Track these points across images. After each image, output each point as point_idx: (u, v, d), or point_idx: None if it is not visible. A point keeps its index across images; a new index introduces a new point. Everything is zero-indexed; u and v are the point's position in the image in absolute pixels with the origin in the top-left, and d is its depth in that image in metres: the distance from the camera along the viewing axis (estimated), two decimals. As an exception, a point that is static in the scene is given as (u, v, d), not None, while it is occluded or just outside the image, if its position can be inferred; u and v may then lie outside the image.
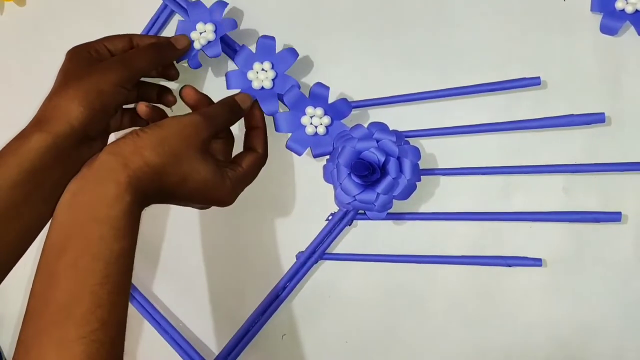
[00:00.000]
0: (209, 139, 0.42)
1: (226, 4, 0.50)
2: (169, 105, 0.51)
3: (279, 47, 0.50)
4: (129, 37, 0.49)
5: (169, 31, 0.55)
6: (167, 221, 0.56)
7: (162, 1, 0.54)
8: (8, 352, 0.61)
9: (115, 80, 0.43)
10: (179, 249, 0.56)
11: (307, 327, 0.52)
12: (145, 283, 0.57)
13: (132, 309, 0.56)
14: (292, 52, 0.49)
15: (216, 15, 0.51)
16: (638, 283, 0.46)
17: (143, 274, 0.57)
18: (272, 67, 0.49)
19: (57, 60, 0.58)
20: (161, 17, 0.54)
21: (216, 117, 0.43)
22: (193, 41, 0.50)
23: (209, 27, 0.50)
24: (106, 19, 0.57)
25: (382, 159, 0.45)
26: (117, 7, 0.57)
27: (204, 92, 0.48)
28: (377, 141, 0.46)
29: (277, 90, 0.50)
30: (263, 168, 0.52)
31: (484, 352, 0.49)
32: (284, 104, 0.49)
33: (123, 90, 0.44)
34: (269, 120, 0.49)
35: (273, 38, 0.50)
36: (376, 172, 0.45)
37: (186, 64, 0.51)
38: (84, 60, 0.45)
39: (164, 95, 0.51)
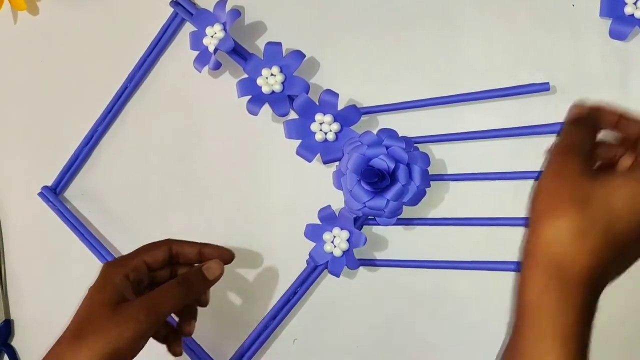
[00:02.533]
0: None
1: (225, 1, 0.51)
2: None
3: (286, 53, 0.50)
4: (168, 246, 0.47)
5: (180, 39, 0.56)
6: (178, 223, 0.57)
7: (172, 10, 0.55)
8: (23, 356, 0.62)
9: (137, 334, 0.41)
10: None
11: (318, 332, 0.53)
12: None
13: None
14: (298, 54, 0.50)
15: (220, 14, 0.51)
16: (648, 289, 0.46)
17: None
18: (281, 71, 0.50)
19: (69, 69, 0.60)
20: (172, 26, 0.55)
21: None
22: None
23: (217, 27, 0.51)
24: (118, 27, 0.58)
25: (392, 165, 0.45)
26: (129, 15, 0.58)
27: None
28: (387, 148, 0.46)
29: (287, 92, 0.50)
30: (274, 174, 0.53)
31: (492, 357, 0.49)
32: (294, 110, 0.50)
33: (144, 341, 0.42)
34: (279, 129, 0.50)
35: (279, 43, 0.50)
36: (386, 179, 0.45)
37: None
38: (112, 293, 0.42)
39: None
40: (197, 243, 0.48)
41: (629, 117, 0.37)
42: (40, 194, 0.59)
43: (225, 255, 0.48)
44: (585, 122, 0.36)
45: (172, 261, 0.47)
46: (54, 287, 0.61)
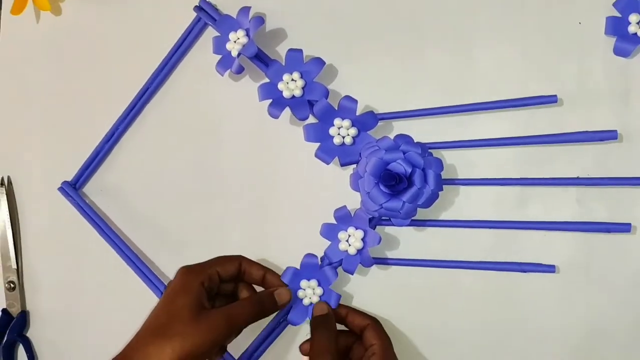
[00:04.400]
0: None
1: (249, 8, 0.53)
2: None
3: (306, 60, 0.52)
4: (239, 262, 0.50)
5: (202, 43, 0.57)
6: (196, 221, 0.59)
7: (195, 14, 0.57)
8: (38, 347, 0.64)
9: (216, 342, 0.44)
10: (208, 250, 0.58)
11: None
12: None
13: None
14: (319, 61, 0.52)
15: (244, 20, 0.53)
16: (646, 290, 0.48)
17: (173, 274, 0.59)
18: (301, 77, 0.52)
19: (91, 69, 0.61)
20: (194, 30, 0.57)
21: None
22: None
23: (240, 32, 0.53)
24: (140, 30, 0.60)
25: (409, 170, 0.48)
26: (152, 18, 0.59)
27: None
28: (404, 153, 0.48)
29: (307, 97, 0.52)
30: (291, 176, 0.55)
31: (499, 354, 0.52)
32: (314, 115, 0.52)
33: (216, 349, 0.46)
34: (298, 132, 0.52)
35: (300, 50, 0.52)
36: (403, 182, 0.47)
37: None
38: (194, 299, 0.45)
39: None
40: (264, 267, 0.52)
41: (354, 312, 0.51)
42: (60, 189, 0.61)
43: (284, 285, 0.52)
44: (328, 324, 0.49)
45: (237, 276, 0.51)
46: (70, 280, 0.62)
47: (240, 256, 0.51)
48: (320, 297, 0.52)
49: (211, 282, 0.48)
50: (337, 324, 0.51)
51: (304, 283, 0.52)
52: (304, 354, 0.50)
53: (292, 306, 0.52)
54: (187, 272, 0.48)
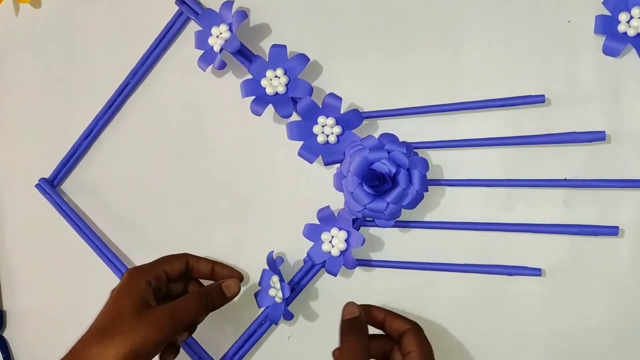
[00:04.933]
0: None
1: (232, 2, 0.52)
2: None
3: (290, 56, 0.51)
4: (186, 259, 0.50)
5: (184, 37, 0.56)
6: (176, 219, 0.58)
7: (177, 7, 0.55)
8: (15, 347, 0.62)
9: (161, 338, 0.44)
10: (188, 249, 0.57)
11: (313, 329, 0.54)
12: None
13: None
14: (303, 57, 0.51)
15: (226, 15, 0.52)
16: (633, 294, 0.47)
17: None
18: (285, 73, 0.51)
19: (71, 63, 0.60)
20: (176, 24, 0.56)
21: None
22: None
23: (223, 27, 0.52)
24: (121, 23, 0.59)
25: (394, 170, 0.47)
26: (132, 11, 0.58)
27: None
28: (389, 152, 0.47)
29: (290, 94, 0.51)
30: (274, 174, 0.54)
31: (484, 357, 0.51)
32: (297, 113, 0.51)
33: (162, 346, 0.45)
34: (281, 130, 0.51)
35: (284, 46, 0.51)
36: (387, 182, 0.46)
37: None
38: (138, 298, 0.45)
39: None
40: (211, 261, 0.51)
41: (393, 315, 0.46)
42: (38, 186, 0.60)
43: (237, 276, 0.51)
44: (359, 328, 0.45)
45: (186, 274, 0.50)
46: (48, 279, 0.61)
47: (186, 254, 0.51)
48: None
49: (158, 281, 0.48)
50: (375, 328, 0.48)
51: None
52: (336, 359, 0.46)
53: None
54: (133, 272, 0.48)
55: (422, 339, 0.45)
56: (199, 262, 0.51)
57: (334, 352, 0.46)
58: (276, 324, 0.52)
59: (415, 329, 0.46)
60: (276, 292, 0.51)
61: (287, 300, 0.51)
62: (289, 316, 0.51)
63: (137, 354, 0.42)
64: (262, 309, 0.53)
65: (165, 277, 0.48)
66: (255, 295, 0.52)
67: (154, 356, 0.45)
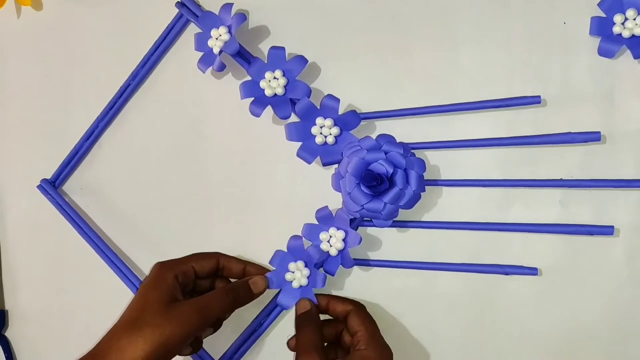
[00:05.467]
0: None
1: (231, 5, 0.52)
2: None
3: (289, 58, 0.52)
4: (217, 258, 0.51)
5: (184, 39, 0.57)
6: (177, 219, 0.58)
7: (177, 10, 0.56)
8: (17, 346, 0.63)
9: (188, 333, 0.44)
10: (188, 248, 0.57)
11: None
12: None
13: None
14: (301, 59, 0.51)
15: (226, 17, 0.53)
16: (628, 293, 0.48)
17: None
18: (284, 75, 0.52)
19: (72, 65, 0.60)
20: (176, 26, 0.56)
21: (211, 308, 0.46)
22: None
23: (222, 29, 0.52)
24: (122, 25, 0.59)
25: (391, 170, 0.47)
26: (133, 14, 0.59)
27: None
28: (386, 153, 0.48)
29: (289, 96, 0.52)
30: (273, 175, 0.55)
31: (480, 356, 0.51)
32: (296, 114, 0.51)
33: (190, 340, 0.46)
34: (280, 131, 0.52)
35: (283, 48, 0.52)
36: (384, 183, 0.47)
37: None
38: (166, 292, 0.46)
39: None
40: (243, 261, 0.52)
41: (335, 299, 0.50)
42: (39, 187, 0.60)
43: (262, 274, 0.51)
44: (311, 319, 0.49)
45: (216, 273, 0.51)
46: (49, 279, 0.61)
47: (218, 253, 0.51)
48: (307, 277, 0.51)
49: (185, 277, 0.48)
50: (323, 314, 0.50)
51: (292, 265, 0.51)
52: (291, 349, 0.49)
53: (281, 290, 0.52)
54: (161, 266, 0.48)
55: (365, 317, 0.48)
56: (231, 262, 0.51)
57: (288, 343, 0.49)
58: (285, 308, 0.52)
59: (358, 309, 0.49)
60: (293, 277, 0.51)
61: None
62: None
63: (166, 347, 0.43)
64: (262, 309, 0.54)
65: (193, 273, 0.49)
66: (268, 275, 0.52)
67: (181, 350, 0.45)
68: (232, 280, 0.52)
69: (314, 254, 0.51)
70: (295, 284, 0.51)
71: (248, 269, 0.51)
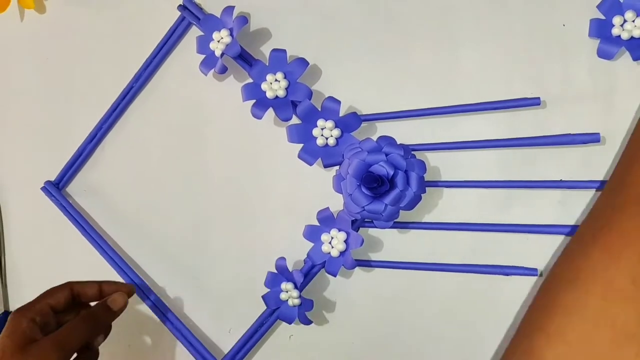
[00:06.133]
0: None
1: (233, 7, 0.53)
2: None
3: (290, 60, 0.52)
4: (69, 287, 0.50)
5: (186, 42, 0.57)
6: (180, 221, 0.58)
7: (179, 13, 0.56)
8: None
9: None
10: (191, 250, 0.58)
11: (314, 329, 0.54)
12: (159, 284, 0.59)
13: (146, 309, 0.58)
14: (302, 61, 0.52)
15: (227, 20, 0.53)
16: (627, 293, 0.48)
17: (157, 275, 0.59)
18: (285, 77, 0.52)
19: (75, 67, 0.61)
20: (179, 29, 0.57)
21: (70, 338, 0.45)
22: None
23: (224, 32, 0.53)
24: (124, 28, 0.59)
25: (391, 172, 0.47)
26: (136, 17, 0.59)
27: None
28: (386, 155, 0.48)
29: (290, 98, 0.52)
30: (275, 177, 0.55)
31: (480, 355, 0.52)
32: (297, 116, 0.52)
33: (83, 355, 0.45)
34: (281, 133, 0.52)
35: (284, 50, 0.52)
36: (385, 184, 0.47)
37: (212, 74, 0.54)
38: (21, 337, 0.44)
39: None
40: (96, 282, 0.51)
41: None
42: (43, 189, 0.61)
43: (126, 289, 0.51)
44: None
45: (75, 302, 0.50)
46: (54, 280, 0.61)
47: (69, 282, 0.51)
48: (298, 298, 0.52)
49: (43, 316, 0.47)
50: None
51: (283, 286, 0.52)
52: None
53: (280, 308, 0.53)
54: (15, 314, 0.47)
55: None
56: (85, 287, 0.50)
57: None
58: (290, 323, 0.53)
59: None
60: (288, 296, 0.52)
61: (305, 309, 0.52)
62: (307, 322, 0.52)
63: None
64: (264, 309, 0.54)
65: (49, 310, 0.48)
66: (263, 297, 0.53)
67: None
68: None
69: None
70: (290, 303, 0.52)
71: (104, 288, 0.51)
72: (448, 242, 0.51)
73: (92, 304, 0.52)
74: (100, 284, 0.51)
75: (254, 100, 0.52)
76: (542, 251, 0.49)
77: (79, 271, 0.61)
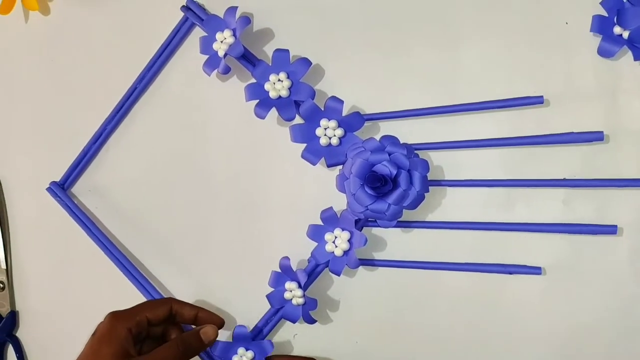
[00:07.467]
0: None
1: (236, 8, 0.53)
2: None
3: (293, 60, 0.52)
4: (170, 305, 0.50)
5: (189, 42, 0.57)
6: (184, 221, 0.59)
7: (182, 14, 0.56)
8: (28, 346, 0.64)
9: None
10: (195, 250, 0.58)
11: (319, 328, 0.54)
12: (163, 284, 0.60)
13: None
14: (305, 61, 0.52)
15: (230, 20, 0.53)
16: (631, 291, 0.48)
17: (161, 274, 0.60)
18: (288, 77, 0.52)
19: (79, 69, 0.61)
20: (182, 30, 0.57)
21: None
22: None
23: (227, 32, 0.53)
24: (128, 29, 0.60)
25: (394, 171, 0.47)
26: (139, 18, 0.59)
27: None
28: (389, 154, 0.48)
29: (293, 98, 0.52)
30: (278, 176, 0.55)
31: (484, 355, 0.52)
32: (300, 116, 0.52)
33: None
34: (285, 133, 0.52)
35: (287, 50, 0.52)
36: (388, 184, 0.47)
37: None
38: (120, 349, 0.45)
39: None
40: (196, 307, 0.52)
41: None
42: (49, 189, 0.61)
43: (218, 321, 0.52)
44: None
45: (169, 319, 0.51)
46: (59, 280, 0.62)
47: (170, 299, 0.52)
48: (302, 297, 0.52)
49: (139, 327, 0.48)
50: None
51: (287, 285, 0.52)
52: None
53: (284, 307, 0.53)
54: (115, 318, 0.47)
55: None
56: (183, 308, 0.51)
57: None
58: (294, 322, 0.53)
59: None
60: (292, 296, 0.52)
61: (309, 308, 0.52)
62: (311, 321, 0.53)
63: None
64: (268, 308, 0.54)
65: (146, 323, 0.48)
66: (267, 296, 0.53)
67: None
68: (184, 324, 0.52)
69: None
70: (294, 302, 0.52)
71: (200, 315, 0.51)
72: (451, 241, 0.51)
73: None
74: (198, 309, 0.52)
75: (257, 100, 0.53)
76: (545, 250, 0.49)
77: (84, 271, 0.61)
